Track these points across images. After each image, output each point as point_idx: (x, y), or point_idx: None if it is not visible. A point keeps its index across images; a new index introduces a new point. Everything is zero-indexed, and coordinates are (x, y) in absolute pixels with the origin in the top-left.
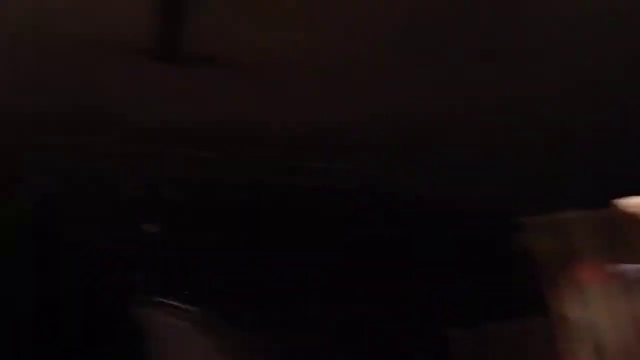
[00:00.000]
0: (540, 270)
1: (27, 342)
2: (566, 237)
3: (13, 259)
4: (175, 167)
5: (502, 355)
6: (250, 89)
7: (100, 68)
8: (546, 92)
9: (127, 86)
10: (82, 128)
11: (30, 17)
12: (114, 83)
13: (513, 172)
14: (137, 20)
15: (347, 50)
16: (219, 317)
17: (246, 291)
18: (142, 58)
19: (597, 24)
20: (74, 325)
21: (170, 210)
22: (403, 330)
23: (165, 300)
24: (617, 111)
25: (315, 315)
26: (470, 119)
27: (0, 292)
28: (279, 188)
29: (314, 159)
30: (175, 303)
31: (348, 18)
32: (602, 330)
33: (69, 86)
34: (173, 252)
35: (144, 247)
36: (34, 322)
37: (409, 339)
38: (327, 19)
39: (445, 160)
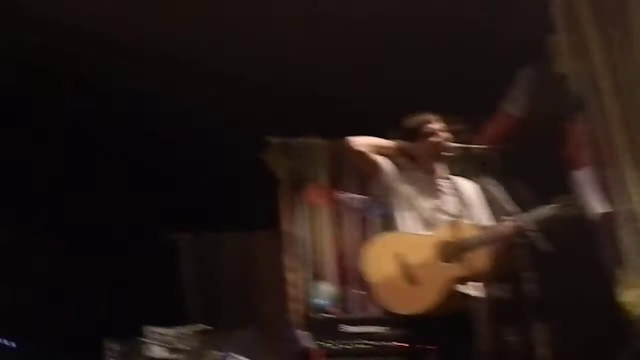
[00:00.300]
0: (276, 187)
1: None
2: (303, 160)
3: None
4: None
5: (230, 262)
6: None
7: None
8: None
9: None
10: None
11: None
12: None
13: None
14: None
15: None
16: None
17: None
18: None
19: None
20: None
21: None
22: (132, 236)
23: None
24: None
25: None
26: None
27: None
28: None
29: None
30: None
31: None
32: (319, 248)
33: None
34: None
35: None
36: None
37: (138, 243)
38: None
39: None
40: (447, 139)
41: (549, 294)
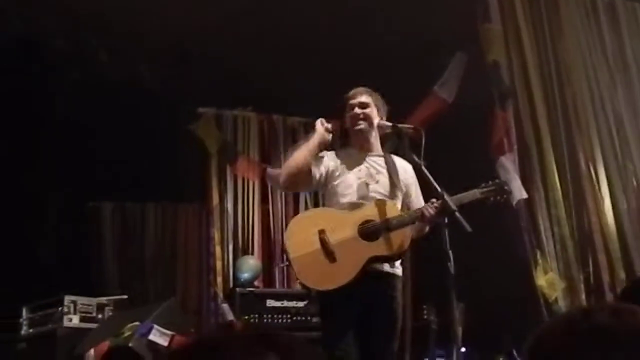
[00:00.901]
0: (205, 159)
1: None
2: (234, 133)
3: None
4: None
5: (152, 233)
6: None
7: None
8: None
9: None
10: None
11: None
12: None
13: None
14: None
15: None
16: None
17: None
18: None
19: None
20: None
21: None
22: (53, 202)
23: None
24: None
25: None
26: None
27: None
28: None
29: None
30: None
31: None
32: (247, 221)
33: None
34: None
35: None
36: None
37: (60, 209)
38: None
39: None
40: (366, 114)
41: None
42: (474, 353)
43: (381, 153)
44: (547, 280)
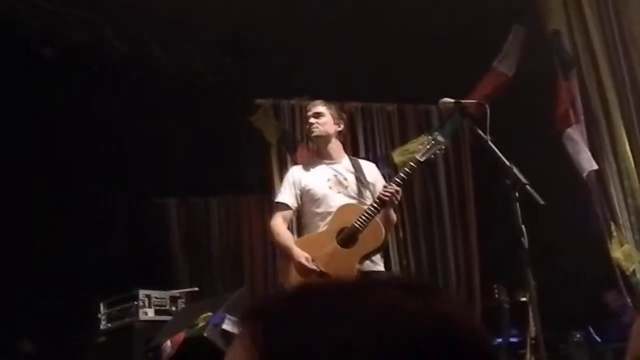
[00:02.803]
0: (265, 150)
1: None
2: (292, 122)
3: None
4: None
5: (217, 226)
6: None
7: None
8: None
9: None
10: None
11: None
12: None
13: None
14: None
15: None
16: None
17: None
18: None
19: None
20: None
21: None
22: (122, 200)
23: None
24: None
25: None
26: None
27: None
28: None
29: None
30: None
31: None
32: None
33: None
34: None
35: None
36: None
37: (128, 208)
38: None
39: None
40: (319, 124)
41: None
42: (548, 332)
43: (344, 159)
44: (624, 252)
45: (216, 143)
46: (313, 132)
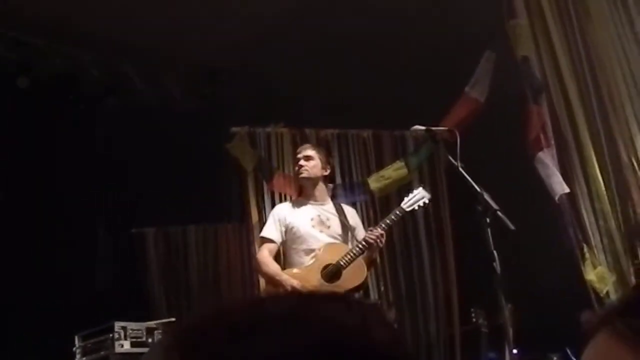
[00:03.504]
0: (241, 178)
1: None
2: (268, 149)
3: None
4: None
5: (195, 255)
6: None
7: None
8: None
9: None
10: None
11: None
12: None
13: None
14: None
15: None
16: None
17: None
18: None
19: None
20: None
21: None
22: (95, 232)
23: None
24: None
25: None
26: None
27: None
28: None
29: None
30: None
31: None
32: None
33: None
34: None
35: None
36: None
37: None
38: None
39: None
40: (308, 167)
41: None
42: (526, 354)
43: (329, 201)
44: (597, 274)
45: (193, 172)
46: (302, 173)
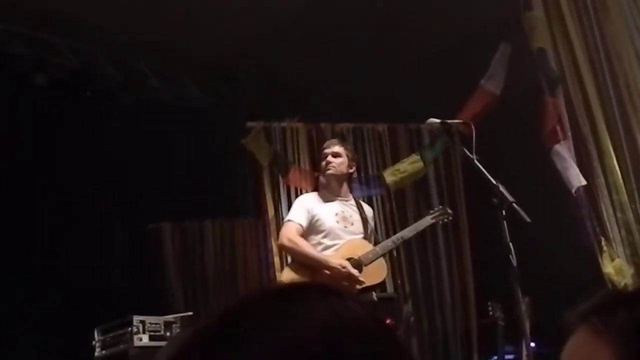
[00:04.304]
0: (258, 172)
1: None
2: (284, 144)
3: None
4: None
5: (213, 249)
6: None
7: None
8: None
9: None
10: None
11: None
12: None
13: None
14: None
15: None
16: None
17: None
18: None
19: None
20: None
21: None
22: (114, 225)
23: None
24: None
25: None
26: None
27: None
28: None
29: None
30: None
31: None
32: None
33: None
34: None
35: None
36: None
37: (122, 233)
38: None
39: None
40: (335, 164)
41: None
42: (543, 348)
43: (351, 199)
44: (615, 266)
45: (210, 167)
46: (329, 169)
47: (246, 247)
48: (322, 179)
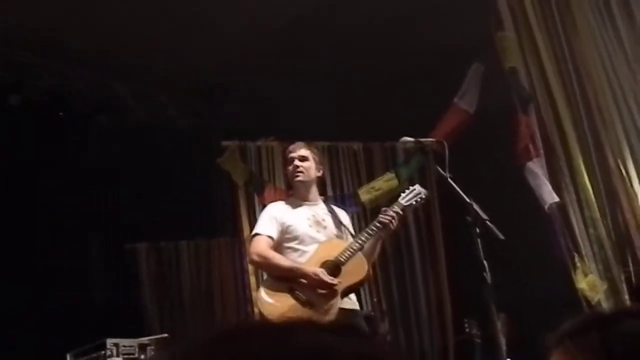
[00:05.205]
0: (232, 192)
1: None
2: (259, 163)
3: None
4: None
5: (188, 270)
6: None
7: None
8: None
9: None
10: None
11: None
12: None
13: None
14: None
15: None
16: None
17: None
18: None
19: None
20: None
21: None
22: (89, 246)
23: None
24: None
25: None
26: None
27: None
28: None
29: None
30: None
31: None
32: None
33: None
34: None
35: None
36: None
37: (96, 254)
38: None
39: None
40: (303, 168)
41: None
42: None
43: (320, 202)
44: (588, 282)
45: (186, 187)
46: (297, 176)
47: (222, 267)
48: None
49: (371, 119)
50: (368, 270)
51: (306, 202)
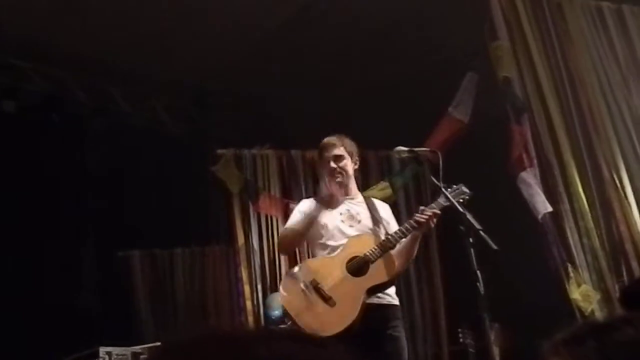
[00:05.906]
0: (227, 200)
1: None
2: (254, 171)
3: None
4: None
5: (182, 277)
6: None
7: None
8: None
9: None
10: None
11: None
12: None
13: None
14: None
15: None
16: None
17: None
18: None
19: None
20: None
21: None
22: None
23: None
24: None
25: None
26: None
27: None
28: None
29: None
30: None
31: None
32: (273, 258)
33: None
34: None
35: None
36: None
37: (91, 261)
38: None
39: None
40: (341, 169)
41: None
42: None
43: (359, 195)
44: (581, 293)
45: (180, 194)
46: (337, 177)
47: (216, 275)
48: (323, 185)
49: (366, 127)
50: (397, 271)
51: (345, 197)
